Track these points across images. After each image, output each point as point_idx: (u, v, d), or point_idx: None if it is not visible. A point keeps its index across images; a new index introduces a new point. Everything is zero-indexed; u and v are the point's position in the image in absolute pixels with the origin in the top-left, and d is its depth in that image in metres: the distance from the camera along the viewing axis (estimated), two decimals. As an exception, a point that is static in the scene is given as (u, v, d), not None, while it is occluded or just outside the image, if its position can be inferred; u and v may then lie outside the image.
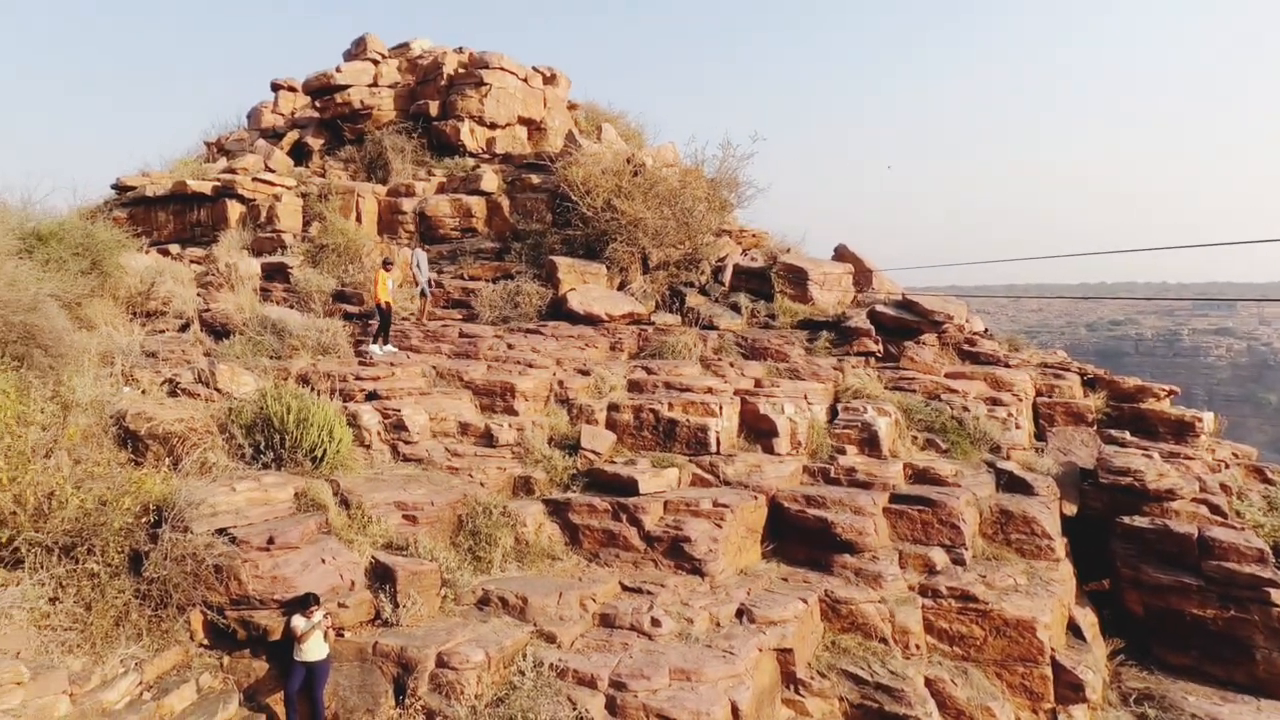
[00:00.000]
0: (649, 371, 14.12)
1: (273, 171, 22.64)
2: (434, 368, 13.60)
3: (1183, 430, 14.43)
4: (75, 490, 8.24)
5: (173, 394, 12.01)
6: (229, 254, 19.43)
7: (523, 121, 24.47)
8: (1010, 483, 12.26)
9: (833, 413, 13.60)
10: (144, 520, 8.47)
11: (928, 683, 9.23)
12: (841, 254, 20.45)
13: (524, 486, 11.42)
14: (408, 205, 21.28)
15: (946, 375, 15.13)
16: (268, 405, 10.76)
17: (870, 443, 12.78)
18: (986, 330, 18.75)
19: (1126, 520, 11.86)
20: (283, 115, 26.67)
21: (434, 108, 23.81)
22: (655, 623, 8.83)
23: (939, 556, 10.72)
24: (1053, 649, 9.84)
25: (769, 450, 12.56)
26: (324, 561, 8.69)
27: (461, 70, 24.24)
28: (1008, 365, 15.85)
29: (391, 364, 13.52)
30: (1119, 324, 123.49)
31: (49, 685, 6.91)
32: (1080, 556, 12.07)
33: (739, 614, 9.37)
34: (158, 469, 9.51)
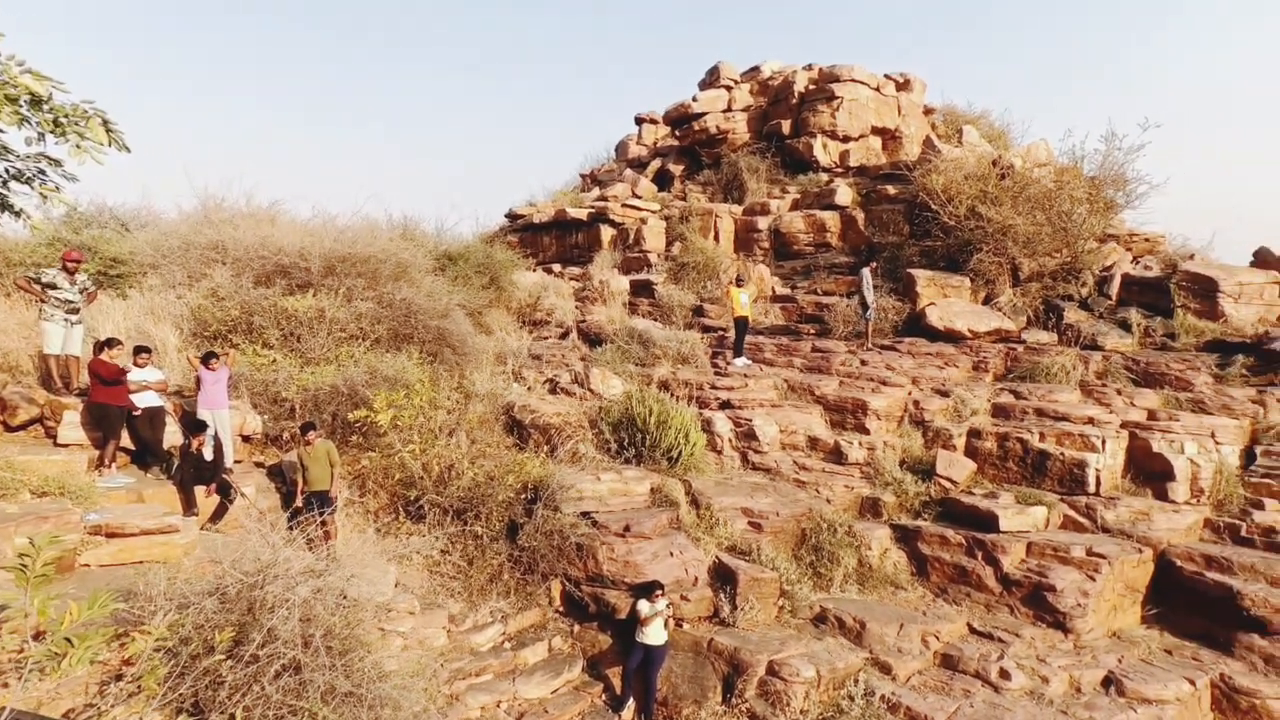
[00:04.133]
0: (1017, 395, 12.93)
1: (639, 197, 24.93)
2: (785, 381, 13.89)
3: None
4: (470, 465, 9.96)
5: (552, 391, 13.84)
6: (602, 272, 21.85)
7: (876, 132, 24.02)
8: None
9: (1249, 456, 11.25)
10: (522, 496, 9.97)
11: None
12: (1264, 259, 16.65)
13: (871, 508, 11.16)
14: (762, 223, 22.05)
15: None
16: (632, 406, 11.91)
17: (1300, 498, 10.30)
18: None
19: None
20: (646, 145, 29.22)
21: (786, 126, 24.38)
22: (1004, 674, 8.04)
23: None
24: None
25: (1161, 496, 10.78)
26: (672, 555, 9.34)
27: (812, 87, 24.49)
28: None
29: (745, 375, 14.11)
30: None
31: (432, 620, 8.42)
32: None
33: (1105, 683, 8.14)
34: (537, 454, 11.10)
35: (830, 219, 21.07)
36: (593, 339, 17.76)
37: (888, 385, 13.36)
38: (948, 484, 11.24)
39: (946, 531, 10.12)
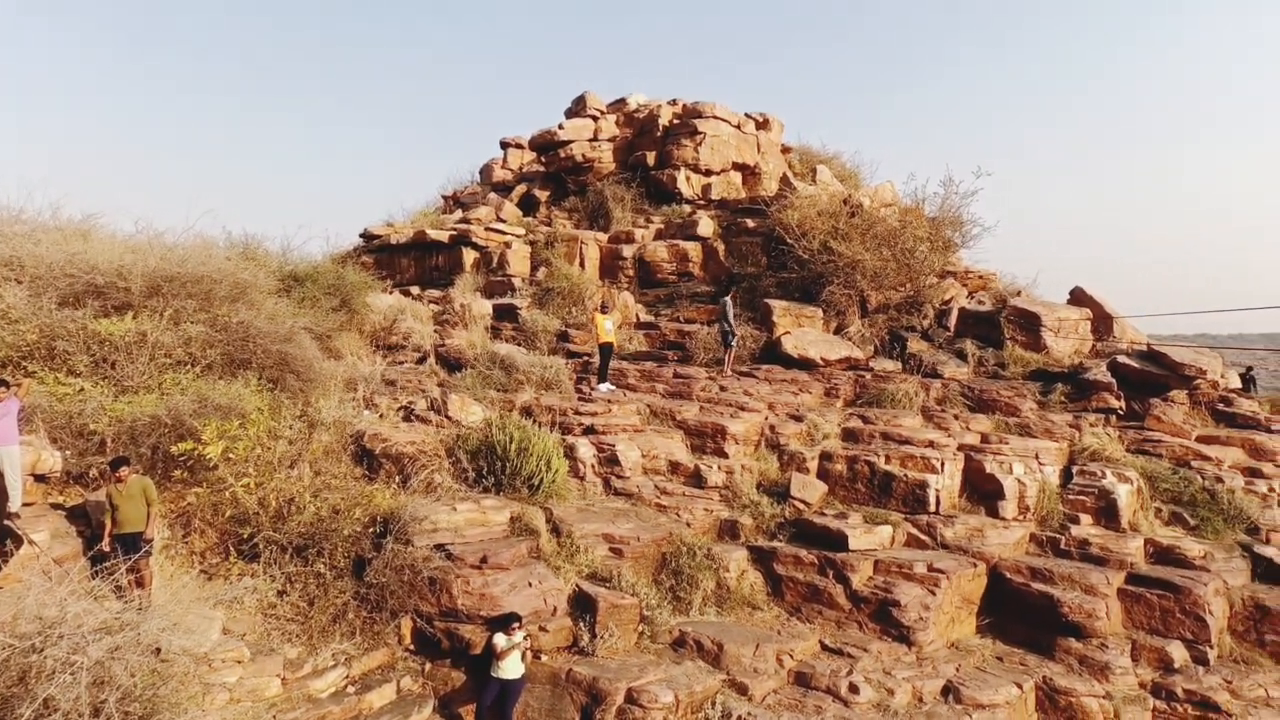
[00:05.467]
0: (865, 420, 13.56)
1: (503, 221, 24.57)
2: (648, 406, 13.91)
3: None
4: (313, 498, 9.28)
5: (407, 419, 13.22)
6: (463, 295, 21.29)
7: (737, 167, 24.92)
8: (1268, 572, 10.60)
9: (1066, 475, 12.28)
10: (371, 530, 9.36)
11: (1150, 800, 8.05)
12: (1079, 297, 18.49)
13: (729, 530, 11.30)
14: (628, 251, 22.23)
15: (1197, 439, 13.33)
16: (493, 434, 11.53)
17: (1107, 512, 11.44)
18: (1245, 389, 16.35)
19: None
20: (511, 170, 28.97)
21: (651, 158, 24.84)
22: (853, 689, 8.30)
23: (1178, 652, 9.40)
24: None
25: (993, 513, 11.57)
26: (530, 585, 9.06)
27: (676, 121, 25.17)
28: (1269, 430, 13.67)
29: (609, 401, 14.02)
30: None
31: (265, 667, 7.73)
32: None
33: (945, 691, 8.60)
34: (388, 485, 10.49)
35: (693, 249, 21.57)
36: (452, 364, 17.21)
37: (746, 410, 13.67)
38: (802, 505, 11.57)
39: (800, 552, 10.39)
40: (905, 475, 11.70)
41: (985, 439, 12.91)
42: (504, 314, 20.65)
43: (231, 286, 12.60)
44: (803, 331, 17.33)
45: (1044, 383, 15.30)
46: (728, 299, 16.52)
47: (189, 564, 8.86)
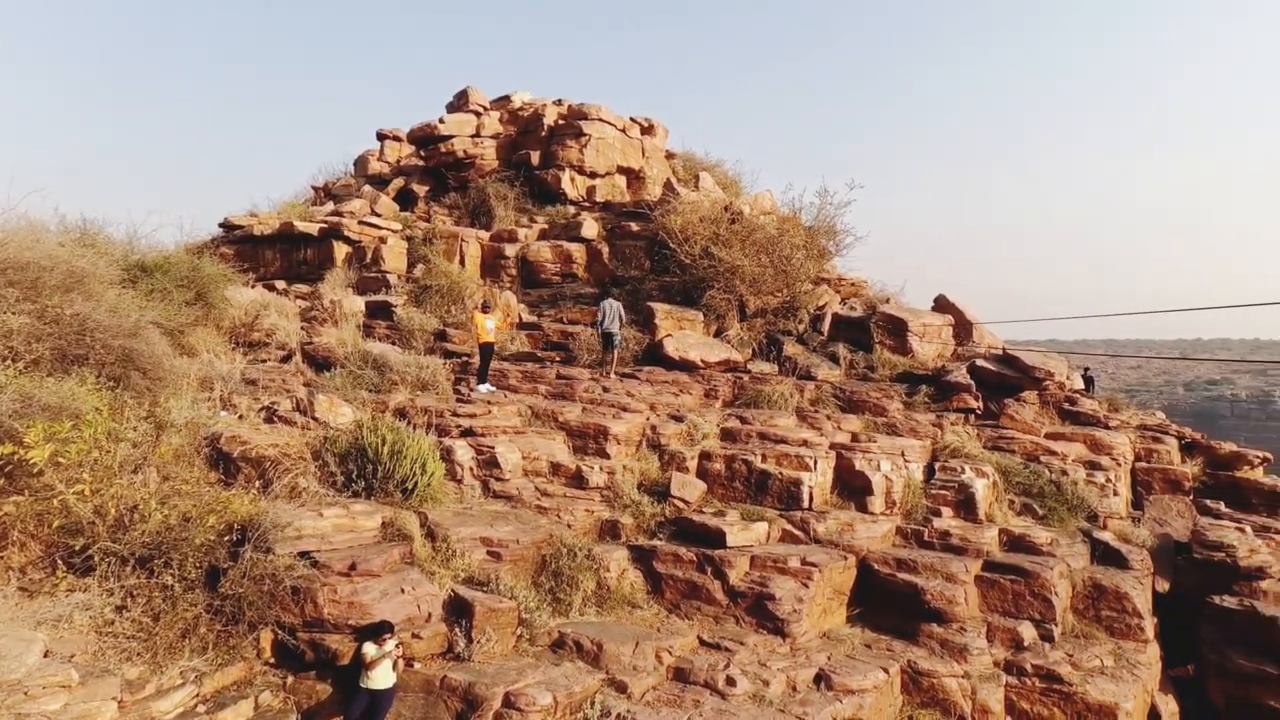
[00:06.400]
0: (743, 421, 13.82)
1: (378, 215, 23.58)
2: (530, 408, 13.63)
3: (1275, 502, 13.71)
4: (160, 505, 8.45)
5: (269, 420, 12.40)
6: (334, 291, 20.26)
7: (622, 170, 24.97)
8: (1105, 554, 11.65)
9: (930, 472, 12.97)
10: (227, 539, 8.60)
11: (1001, 767, 8.63)
12: (942, 305, 19.76)
13: (610, 531, 11.21)
14: (510, 250, 21.82)
15: (1046, 436, 14.51)
16: (363, 435, 10.94)
17: (966, 505, 12.14)
18: (1086, 389, 18.03)
19: (1216, 600, 11.11)
20: (388, 163, 27.89)
21: (535, 157, 24.53)
22: (730, 682, 8.39)
23: (1028, 631, 10.13)
24: (1129, 739, 9.11)
25: (863, 509, 12.04)
26: (403, 591, 8.62)
27: (561, 121, 24.98)
28: (1107, 427, 15.14)
29: (489, 402, 13.64)
30: (1215, 384, 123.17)
31: (97, 691, 6.93)
32: (1169, 638, 11.37)
33: (817, 679, 8.83)
34: (247, 491, 9.70)
35: (577, 250, 21.46)
36: (321, 363, 16.34)
37: (628, 411, 13.66)
38: (681, 504, 11.64)
39: (680, 550, 10.43)
40: (780, 473, 11.99)
41: (855, 438, 13.43)
42: (378, 311, 19.82)
43: (65, 275, 11.37)
44: (684, 334, 17.55)
45: (910, 384, 16.17)
46: (607, 301, 16.49)
47: (4, 580, 7.90)
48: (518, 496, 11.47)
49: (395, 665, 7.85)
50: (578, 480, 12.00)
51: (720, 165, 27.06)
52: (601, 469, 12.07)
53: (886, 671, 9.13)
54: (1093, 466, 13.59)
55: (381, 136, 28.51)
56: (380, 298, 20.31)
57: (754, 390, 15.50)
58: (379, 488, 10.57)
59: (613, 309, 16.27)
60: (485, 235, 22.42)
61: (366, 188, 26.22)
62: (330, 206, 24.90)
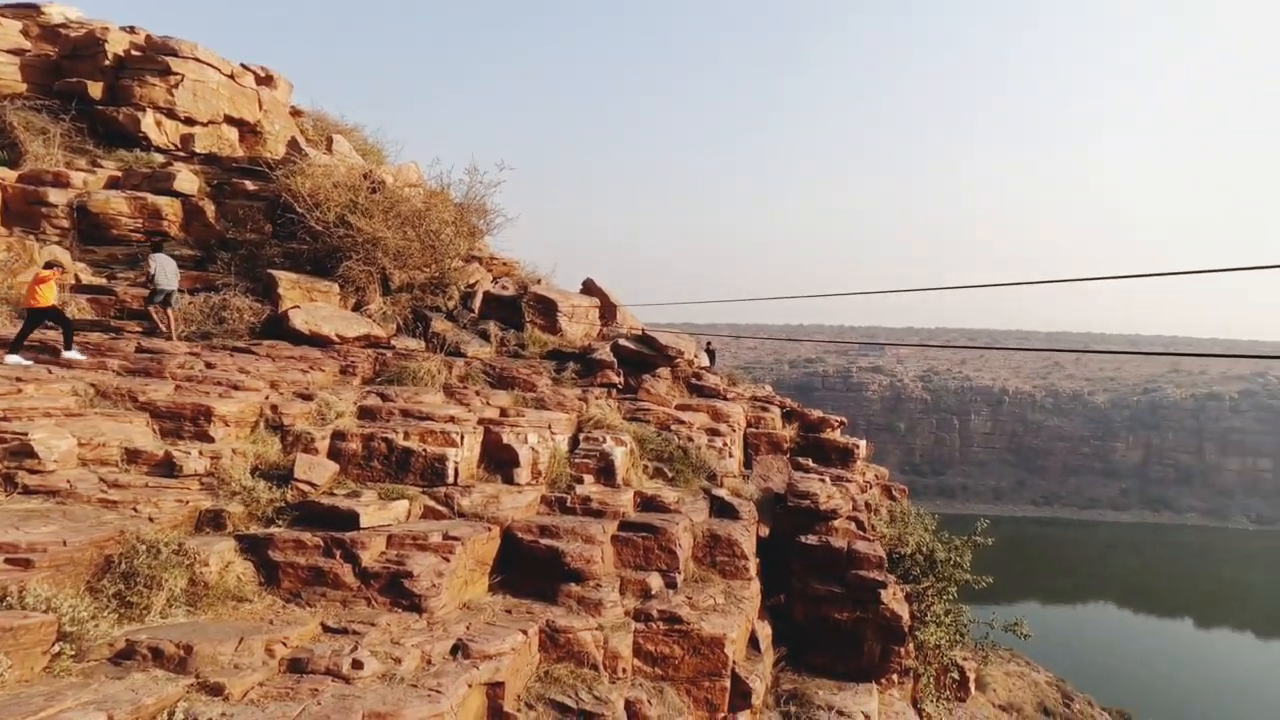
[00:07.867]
0: (385, 398, 12.89)
1: None
2: (93, 386, 11.16)
3: (846, 456, 16.79)
4: None
5: None
6: None
7: (231, 121, 22.06)
8: (721, 508, 12.91)
9: (574, 443, 13.29)
10: None
11: (627, 705, 9.10)
12: (589, 288, 20.71)
13: (212, 521, 9.57)
14: (58, 197, 17.53)
15: (677, 407, 15.89)
16: None
17: (606, 472, 12.63)
18: (711, 365, 20.27)
19: (803, 539, 13.19)
20: None
21: (97, 90, 20.44)
22: (357, 665, 7.54)
23: (655, 581, 10.79)
24: (735, 661, 10.32)
25: (509, 481, 11.85)
26: None
27: (137, 53, 21.10)
28: (726, 398, 17.14)
29: (19, 379, 10.85)
30: (812, 362, 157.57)
31: None
32: (768, 574, 13.07)
33: (454, 650, 8.35)
34: None
35: (169, 205, 18.12)
36: None
37: (241, 390, 11.92)
38: (308, 488, 10.40)
39: (303, 535, 9.27)
40: (424, 450, 11.34)
41: (504, 413, 13.27)
42: None
43: None
44: (315, 307, 15.96)
45: (559, 362, 16.59)
46: (160, 255, 14.95)
47: None
48: (69, 490, 9.20)
49: None
50: (167, 468, 10.07)
51: (359, 130, 25.22)
52: (202, 454, 10.27)
53: (525, 633, 8.97)
54: (713, 433, 15.10)
55: None
56: None
57: (398, 367, 14.61)
58: None
59: (171, 265, 14.93)
60: (11, 175, 17.81)
61: None
62: None
